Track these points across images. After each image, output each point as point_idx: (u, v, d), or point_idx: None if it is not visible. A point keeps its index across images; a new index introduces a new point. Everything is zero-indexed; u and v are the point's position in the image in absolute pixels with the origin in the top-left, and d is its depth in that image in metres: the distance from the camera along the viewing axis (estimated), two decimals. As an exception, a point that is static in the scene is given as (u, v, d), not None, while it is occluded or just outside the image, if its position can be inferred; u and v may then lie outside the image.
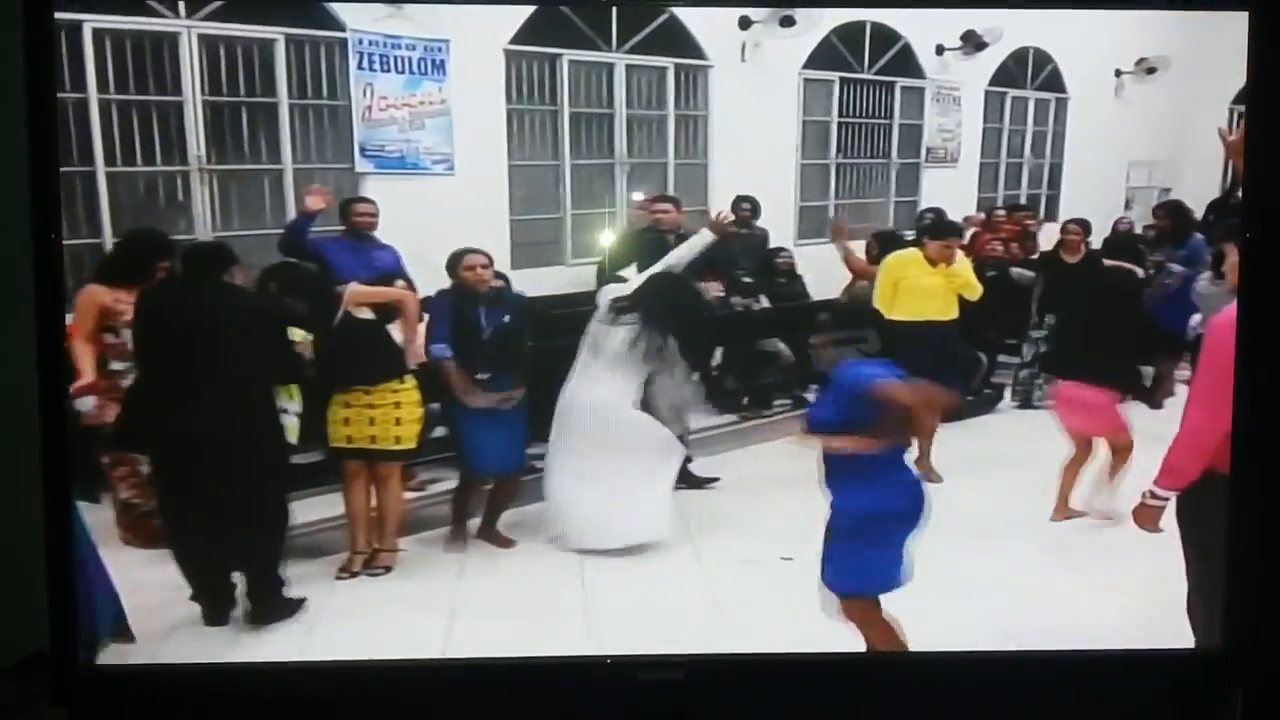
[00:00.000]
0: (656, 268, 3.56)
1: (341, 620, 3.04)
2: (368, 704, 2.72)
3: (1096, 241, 4.30)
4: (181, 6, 3.41)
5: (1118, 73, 4.75)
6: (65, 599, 2.52)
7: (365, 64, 3.76)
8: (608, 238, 4.25)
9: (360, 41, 3.73)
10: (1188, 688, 2.80)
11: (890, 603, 2.73)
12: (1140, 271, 4.08)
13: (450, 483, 3.59)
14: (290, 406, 3.16)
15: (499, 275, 3.56)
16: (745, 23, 4.25)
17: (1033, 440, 3.86)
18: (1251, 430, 2.54)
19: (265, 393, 3.08)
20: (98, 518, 2.92)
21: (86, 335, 3.01)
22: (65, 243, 2.55)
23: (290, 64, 3.74)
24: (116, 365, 3.07)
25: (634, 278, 3.59)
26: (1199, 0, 3.16)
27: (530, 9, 3.91)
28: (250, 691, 2.72)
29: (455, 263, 3.44)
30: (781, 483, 3.44)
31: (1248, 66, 2.59)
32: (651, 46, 4.31)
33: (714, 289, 4.07)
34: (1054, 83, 5.08)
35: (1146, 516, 2.69)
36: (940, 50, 4.74)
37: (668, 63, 4.40)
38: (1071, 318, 4.00)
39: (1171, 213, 4.14)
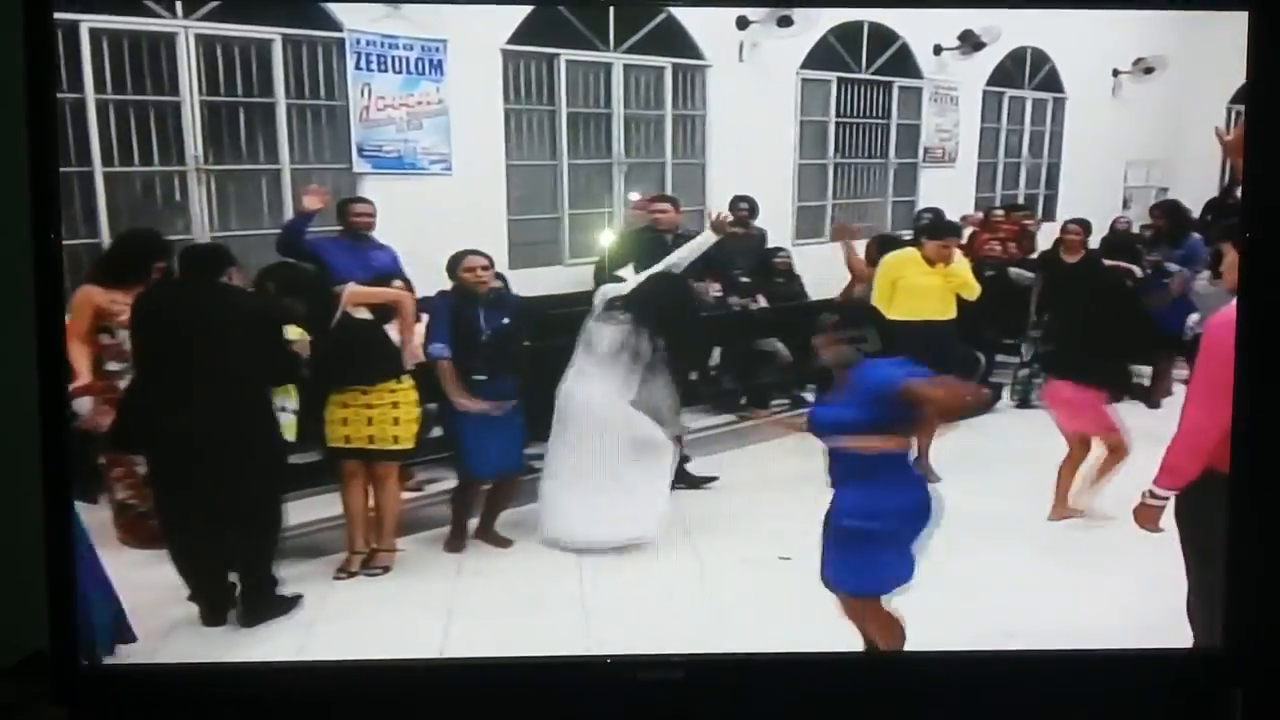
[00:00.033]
0: (657, 268, 3.56)
1: (340, 620, 3.04)
2: (366, 704, 2.71)
3: (1095, 241, 4.31)
4: (179, 7, 3.40)
5: (1115, 72, 4.77)
6: (65, 599, 2.51)
7: (363, 64, 3.76)
8: (605, 238, 4.24)
9: (358, 41, 3.73)
10: (1188, 688, 2.80)
11: (890, 601, 2.73)
12: (1138, 271, 4.09)
13: (448, 483, 3.58)
14: (288, 404, 3.16)
15: (498, 277, 3.55)
16: (743, 23, 4.26)
17: (1031, 440, 3.85)
18: (1251, 430, 2.54)
19: (262, 394, 3.08)
20: (95, 518, 2.92)
21: (82, 336, 3.00)
22: (64, 243, 2.54)
23: (288, 64, 3.74)
24: (113, 366, 3.06)
25: (631, 278, 3.58)
26: (1198, 0, 3.17)
27: (528, 9, 3.91)
28: (249, 691, 2.72)
29: (455, 264, 3.44)
30: (780, 482, 3.46)
31: (1247, 66, 2.59)
32: (649, 46, 4.32)
33: (712, 289, 4.07)
34: (1052, 82, 5.09)
35: (1146, 516, 2.69)
36: (938, 50, 4.74)
37: (665, 63, 4.41)
38: (1067, 317, 4.00)
39: (1169, 212, 4.15)
